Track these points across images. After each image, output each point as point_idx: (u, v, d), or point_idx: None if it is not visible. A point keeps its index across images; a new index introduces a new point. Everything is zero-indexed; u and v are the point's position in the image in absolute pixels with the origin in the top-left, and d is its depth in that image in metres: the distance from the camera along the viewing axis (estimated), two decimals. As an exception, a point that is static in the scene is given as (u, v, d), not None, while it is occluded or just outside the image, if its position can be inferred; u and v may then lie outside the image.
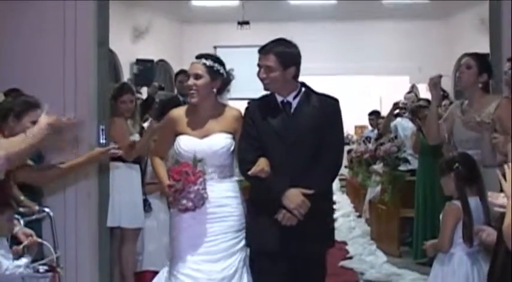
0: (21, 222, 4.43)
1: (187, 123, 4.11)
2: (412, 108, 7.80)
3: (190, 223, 4.01)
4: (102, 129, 5.33)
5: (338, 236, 8.84)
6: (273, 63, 3.84)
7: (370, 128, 11.13)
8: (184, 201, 3.85)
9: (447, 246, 4.21)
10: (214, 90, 4.09)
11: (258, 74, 3.92)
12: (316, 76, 13.94)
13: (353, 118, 14.38)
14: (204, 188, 3.86)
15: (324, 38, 15.47)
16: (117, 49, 12.61)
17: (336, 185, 14.35)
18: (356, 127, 16.11)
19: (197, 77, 4.05)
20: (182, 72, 7.55)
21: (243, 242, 4.04)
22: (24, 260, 3.96)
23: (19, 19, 5.33)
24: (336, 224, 9.81)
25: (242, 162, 3.94)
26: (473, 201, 4.15)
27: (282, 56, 3.85)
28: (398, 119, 8.67)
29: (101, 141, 5.31)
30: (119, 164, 5.65)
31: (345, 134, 15.85)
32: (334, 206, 11.70)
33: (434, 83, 4.90)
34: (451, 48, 14.31)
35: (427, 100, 7.56)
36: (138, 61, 13.75)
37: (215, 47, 14.87)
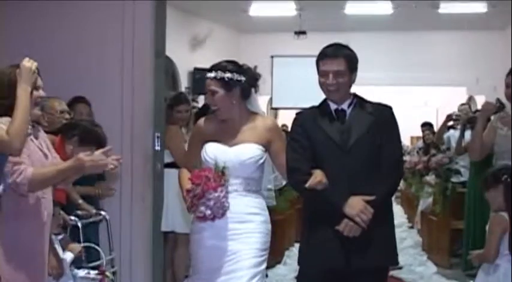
0: (79, 224, 4.65)
1: (217, 131, 3.84)
2: (468, 119, 7.74)
3: (211, 242, 3.72)
4: (158, 137, 5.48)
5: (389, 246, 8.88)
6: (343, 68, 3.60)
7: (425, 139, 11.08)
8: (202, 208, 3.52)
9: (492, 257, 4.22)
10: (234, 101, 3.80)
11: (324, 81, 3.63)
12: (371, 86, 14.04)
13: (409, 129, 14.32)
14: (226, 197, 3.55)
15: (380, 47, 15.42)
16: (176, 58, 12.81)
17: (390, 195, 14.33)
18: (412, 138, 16.04)
19: (213, 93, 3.79)
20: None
21: (264, 265, 3.78)
22: (69, 255, 4.17)
23: (80, 30, 5.53)
24: (388, 235, 9.84)
25: (294, 174, 3.63)
26: (520, 213, 4.17)
27: (350, 59, 3.64)
28: (451, 131, 8.64)
29: (156, 147, 5.47)
30: (173, 170, 5.81)
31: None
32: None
33: (485, 110, 4.96)
34: (509, 59, 14.12)
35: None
36: (196, 70, 13.94)
37: (272, 57, 14.99)
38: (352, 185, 3.52)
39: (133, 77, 5.42)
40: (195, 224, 3.79)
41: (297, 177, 3.61)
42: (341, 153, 3.57)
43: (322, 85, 3.65)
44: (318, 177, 3.46)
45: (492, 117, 5.29)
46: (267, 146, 3.82)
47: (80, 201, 4.83)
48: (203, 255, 3.75)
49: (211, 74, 3.79)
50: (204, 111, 7.84)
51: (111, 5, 5.47)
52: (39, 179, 3.29)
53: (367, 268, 3.55)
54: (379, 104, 3.76)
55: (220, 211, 3.55)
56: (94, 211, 4.93)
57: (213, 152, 3.75)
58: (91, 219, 4.89)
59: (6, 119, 3.23)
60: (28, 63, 3.27)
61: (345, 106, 3.67)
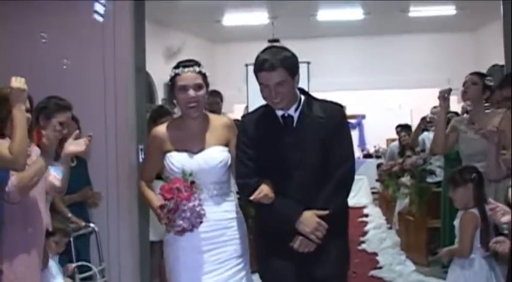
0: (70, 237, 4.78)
1: (176, 139, 3.66)
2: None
3: (188, 253, 3.60)
4: (141, 149, 5.60)
5: (369, 247, 9.06)
6: (284, 77, 3.36)
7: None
8: (180, 222, 3.41)
9: (468, 253, 4.43)
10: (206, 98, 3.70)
11: (266, 95, 3.42)
12: (346, 91, 14.26)
13: (384, 131, 14.56)
14: (200, 204, 3.44)
15: (353, 52, 15.67)
16: (151, 69, 12.86)
17: (369, 198, 14.54)
18: (388, 140, 16.28)
19: (199, 87, 3.62)
20: (214, 92, 7.04)
21: (247, 267, 3.70)
22: None
23: (62, 48, 5.60)
24: (367, 236, 10.02)
25: (244, 189, 3.49)
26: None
27: (289, 67, 3.38)
28: (426, 133, 8.84)
29: (140, 160, 5.60)
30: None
31: (376, 148, 16.10)
32: (367, 219, 11.93)
33: (443, 96, 5.16)
34: (480, 59, 14.40)
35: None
36: (172, 81, 14.03)
37: (247, 65, 15.16)
38: (304, 197, 3.41)
39: (115, 93, 5.53)
40: (169, 234, 3.66)
41: (246, 192, 3.46)
42: (288, 167, 3.43)
43: (265, 98, 3.46)
44: (263, 190, 3.35)
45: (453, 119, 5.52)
46: (227, 145, 3.71)
47: (69, 214, 4.90)
48: (181, 267, 3.62)
49: (196, 68, 3.64)
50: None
51: (92, 24, 5.58)
52: (25, 179, 3.44)
53: (323, 279, 3.47)
54: (331, 103, 3.56)
55: (198, 220, 3.46)
56: (83, 223, 5.01)
57: (180, 161, 3.59)
58: (81, 232, 4.98)
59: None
60: (16, 84, 3.39)
61: (291, 111, 3.48)
